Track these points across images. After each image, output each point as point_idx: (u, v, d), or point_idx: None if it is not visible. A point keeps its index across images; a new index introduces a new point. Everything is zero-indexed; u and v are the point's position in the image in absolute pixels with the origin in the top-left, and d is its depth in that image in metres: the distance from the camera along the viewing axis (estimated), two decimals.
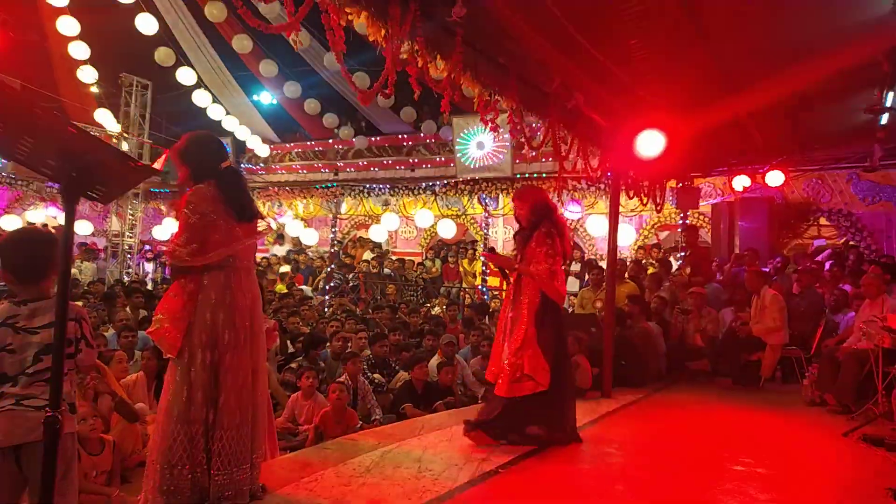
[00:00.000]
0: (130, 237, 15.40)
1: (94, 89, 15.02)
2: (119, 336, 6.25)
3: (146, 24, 11.50)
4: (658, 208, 9.37)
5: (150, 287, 12.16)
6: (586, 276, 10.54)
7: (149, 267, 14.78)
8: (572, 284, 11.62)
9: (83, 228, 15.85)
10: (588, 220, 12.15)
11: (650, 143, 6.23)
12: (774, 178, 9.24)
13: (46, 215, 14.78)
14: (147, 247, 15.48)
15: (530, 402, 4.12)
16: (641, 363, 7.02)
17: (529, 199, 4.41)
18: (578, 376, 6.15)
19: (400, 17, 3.64)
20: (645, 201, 8.74)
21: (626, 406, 5.90)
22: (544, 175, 12.33)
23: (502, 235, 13.92)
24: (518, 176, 12.89)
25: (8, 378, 2.18)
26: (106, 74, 14.31)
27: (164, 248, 2.78)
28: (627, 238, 11.72)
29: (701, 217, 11.37)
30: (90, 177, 1.42)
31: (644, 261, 10.29)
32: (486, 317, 9.61)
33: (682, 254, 10.48)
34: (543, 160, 12.48)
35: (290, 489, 3.27)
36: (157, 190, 17.70)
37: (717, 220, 10.79)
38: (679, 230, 11.30)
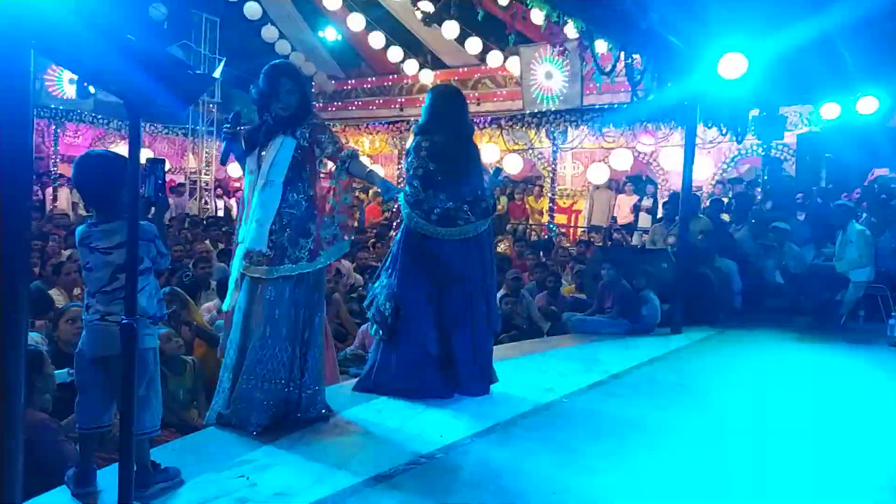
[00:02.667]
0: (207, 174, 15.88)
1: (166, 27, 15.26)
2: (196, 267, 6.51)
3: None
4: (738, 139, 8.90)
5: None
6: (659, 211, 10.23)
7: (220, 203, 15.32)
8: (644, 220, 11.32)
9: None
10: (661, 152, 11.68)
11: (731, 68, 5.86)
12: (867, 105, 8.55)
13: (123, 153, 15.44)
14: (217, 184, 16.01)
15: None
16: (714, 300, 6.83)
17: (435, 101, 3.79)
18: (647, 312, 6.06)
19: None
20: (724, 132, 8.31)
21: (696, 343, 5.78)
22: (616, 106, 11.84)
23: (570, 171, 13.59)
24: (588, 107, 12.44)
25: (92, 294, 2.32)
26: (176, 11, 14.50)
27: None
28: (705, 171, 11.20)
29: (785, 148, 10.72)
30: (151, 91, 1.43)
31: (724, 197, 9.86)
32: (551, 253, 9.52)
33: (764, 187, 9.97)
34: (615, 92, 11.97)
35: (358, 410, 3.39)
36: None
37: (803, 151, 10.14)
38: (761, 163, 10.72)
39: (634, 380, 4.37)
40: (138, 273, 1.96)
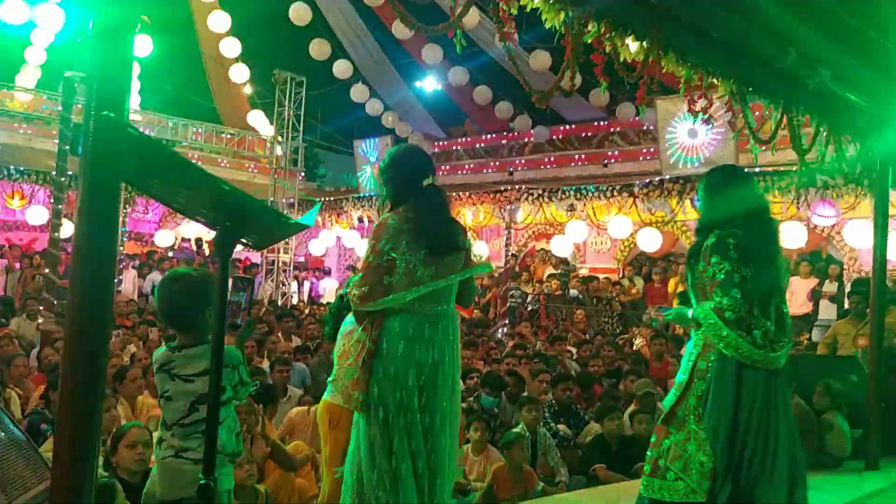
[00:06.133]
0: (286, 253, 16.68)
1: (247, 89, 16.73)
2: (272, 370, 6.81)
3: (300, 14, 12.63)
4: None
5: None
6: (846, 302, 9.72)
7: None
8: (826, 310, 10.76)
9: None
10: (846, 226, 11.19)
11: None
12: None
13: (198, 230, 16.60)
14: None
15: None
16: None
17: (718, 184, 3.56)
18: (832, 441, 5.75)
19: None
20: None
21: None
22: (782, 169, 11.54)
23: None
24: (744, 170, 12.20)
25: (168, 426, 2.55)
26: (259, 72, 15.88)
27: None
28: None
29: None
30: (243, 227, 1.66)
31: None
32: None
33: None
34: (779, 148, 11.70)
35: None
36: (311, 199, 19.16)
37: None
38: None
39: None
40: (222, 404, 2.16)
